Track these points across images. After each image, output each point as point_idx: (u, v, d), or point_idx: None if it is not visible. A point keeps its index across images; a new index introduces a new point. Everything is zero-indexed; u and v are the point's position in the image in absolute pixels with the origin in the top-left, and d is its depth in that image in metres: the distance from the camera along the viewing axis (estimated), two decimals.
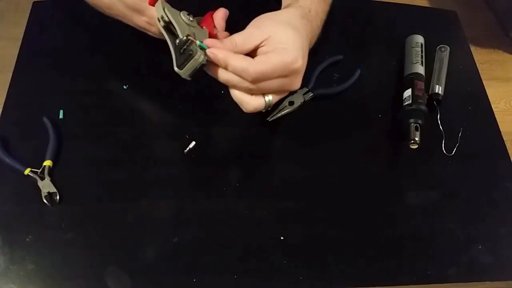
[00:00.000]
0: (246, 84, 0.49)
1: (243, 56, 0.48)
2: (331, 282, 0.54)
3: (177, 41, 0.47)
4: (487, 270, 0.57)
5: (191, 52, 0.46)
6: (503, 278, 0.57)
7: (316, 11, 0.58)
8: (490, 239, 0.58)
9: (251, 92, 0.50)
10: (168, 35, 0.48)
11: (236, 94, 0.51)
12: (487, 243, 0.58)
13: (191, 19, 0.51)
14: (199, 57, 0.47)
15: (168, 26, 0.47)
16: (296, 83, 0.52)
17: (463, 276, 0.56)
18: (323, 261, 0.55)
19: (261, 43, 0.50)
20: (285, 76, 0.50)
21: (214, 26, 0.54)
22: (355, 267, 0.55)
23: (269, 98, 0.51)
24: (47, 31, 0.71)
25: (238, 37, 0.50)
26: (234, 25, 0.54)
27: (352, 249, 0.56)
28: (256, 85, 0.49)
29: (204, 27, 0.53)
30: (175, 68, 0.47)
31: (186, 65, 0.47)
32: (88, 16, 0.62)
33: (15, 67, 0.66)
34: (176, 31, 0.46)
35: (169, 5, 0.50)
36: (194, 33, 0.49)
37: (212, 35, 0.53)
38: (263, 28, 0.50)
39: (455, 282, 0.56)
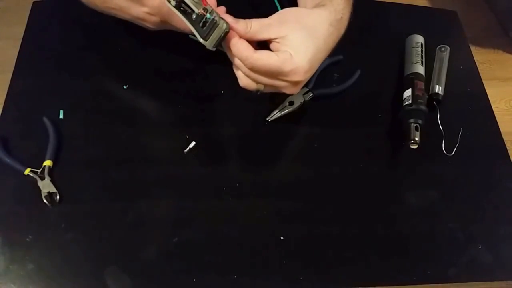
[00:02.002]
0: (245, 69, 0.50)
1: (247, 45, 0.49)
2: (331, 282, 0.54)
3: (194, 16, 0.47)
4: (487, 270, 0.57)
5: (215, 22, 0.47)
6: (503, 278, 0.57)
7: (346, 18, 0.56)
8: (490, 239, 0.58)
9: (247, 75, 0.51)
10: (181, 13, 0.48)
11: (234, 68, 0.52)
12: (487, 243, 0.58)
13: None
14: (223, 25, 0.48)
15: (179, 5, 0.48)
16: (291, 90, 0.53)
17: (463, 276, 0.56)
18: (323, 261, 0.55)
19: (276, 38, 0.50)
20: (280, 79, 0.50)
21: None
22: (355, 267, 0.55)
23: (261, 86, 0.52)
24: (47, 31, 0.71)
25: (254, 23, 0.50)
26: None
27: (352, 249, 0.56)
28: (252, 73, 0.50)
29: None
30: (201, 40, 0.48)
31: (211, 35, 0.48)
32: (88, 16, 0.61)
33: (15, 67, 0.66)
34: (190, 7, 0.47)
35: None
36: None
37: None
38: (284, 25, 0.50)
39: (455, 282, 0.56)
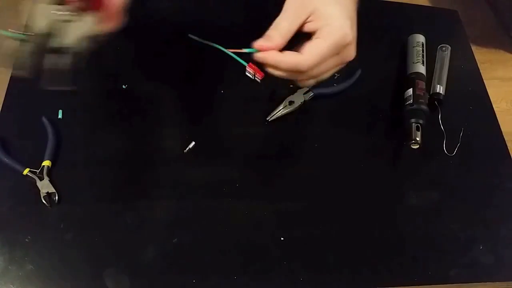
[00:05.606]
0: (302, 77, 0.48)
1: (291, 53, 0.46)
2: (331, 283, 0.54)
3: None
4: (488, 271, 0.57)
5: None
6: (504, 278, 0.57)
7: None
8: (491, 240, 0.58)
9: (309, 78, 0.49)
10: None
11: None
12: (488, 243, 0.58)
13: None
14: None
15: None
16: (350, 54, 0.50)
17: (464, 276, 0.56)
18: (323, 261, 0.54)
19: (307, 18, 0.47)
20: (338, 54, 0.48)
21: None
22: (356, 267, 0.55)
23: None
24: None
25: (283, 23, 0.46)
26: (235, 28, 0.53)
27: (353, 250, 0.56)
28: (311, 72, 0.47)
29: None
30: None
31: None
32: None
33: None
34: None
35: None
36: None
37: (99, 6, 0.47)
38: (304, 4, 0.47)
39: (456, 283, 0.56)
